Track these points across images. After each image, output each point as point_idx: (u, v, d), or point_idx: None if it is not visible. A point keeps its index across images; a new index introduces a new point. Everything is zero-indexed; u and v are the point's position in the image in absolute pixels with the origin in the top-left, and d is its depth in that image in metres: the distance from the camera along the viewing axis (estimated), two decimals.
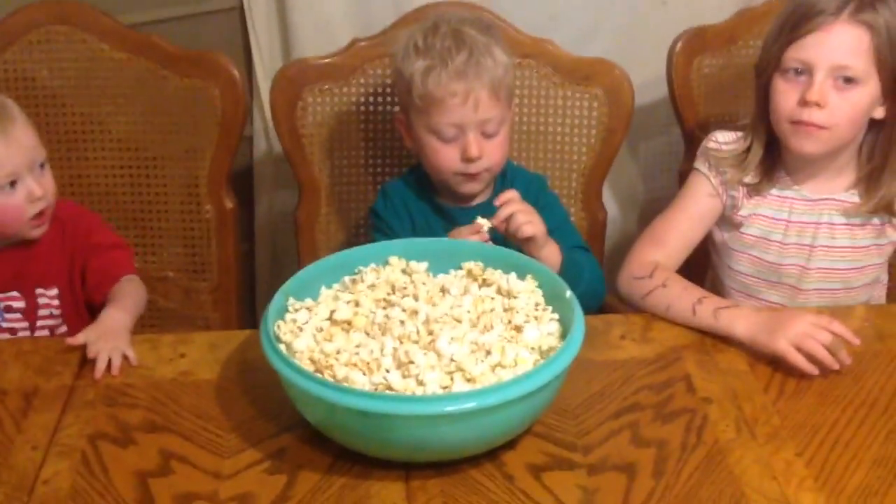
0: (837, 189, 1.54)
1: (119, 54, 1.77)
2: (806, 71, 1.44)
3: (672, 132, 2.06)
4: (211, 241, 1.83)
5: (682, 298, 1.41)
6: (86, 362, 1.35)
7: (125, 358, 1.35)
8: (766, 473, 1.16)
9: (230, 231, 1.82)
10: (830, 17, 1.42)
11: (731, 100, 1.87)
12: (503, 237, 1.49)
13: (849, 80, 1.43)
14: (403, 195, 1.61)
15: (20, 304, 1.54)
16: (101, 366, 1.33)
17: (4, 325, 1.54)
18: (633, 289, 1.50)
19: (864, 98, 1.44)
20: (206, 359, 1.37)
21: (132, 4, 1.94)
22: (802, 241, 1.55)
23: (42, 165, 1.50)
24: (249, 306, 2.18)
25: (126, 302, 1.47)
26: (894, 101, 1.47)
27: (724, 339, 1.38)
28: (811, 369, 1.30)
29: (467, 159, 1.50)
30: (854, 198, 1.53)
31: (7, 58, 1.75)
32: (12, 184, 1.45)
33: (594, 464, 1.18)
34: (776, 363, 1.33)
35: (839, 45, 1.42)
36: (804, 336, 1.29)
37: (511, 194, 1.49)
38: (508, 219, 1.47)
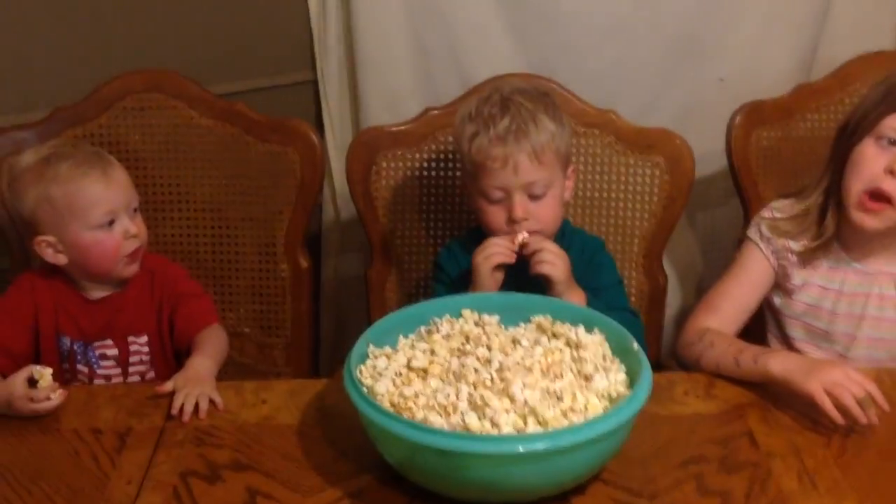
0: (890, 261, 1.58)
1: (206, 121, 1.89)
2: None
3: (731, 203, 2.12)
4: (286, 299, 1.91)
5: (727, 353, 1.47)
6: (164, 427, 1.41)
7: (211, 402, 1.43)
8: None
9: (304, 289, 1.91)
10: None
11: (788, 172, 1.94)
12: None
13: None
14: (466, 251, 1.67)
15: (114, 352, 1.63)
16: (188, 409, 1.41)
17: (100, 371, 1.62)
18: (688, 354, 1.55)
19: None
20: (287, 405, 1.45)
21: (215, 76, 2.06)
22: (853, 311, 1.59)
23: (136, 209, 1.61)
24: (314, 364, 2.25)
25: (210, 350, 1.56)
26: None
27: (785, 398, 1.42)
28: (837, 417, 1.33)
29: (513, 220, 1.57)
30: None
31: (102, 122, 1.87)
32: (111, 223, 1.56)
33: None
34: (840, 430, 1.36)
35: None
36: (837, 384, 1.33)
37: (546, 242, 1.57)
38: (535, 252, 1.54)
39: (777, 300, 1.65)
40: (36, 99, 1.93)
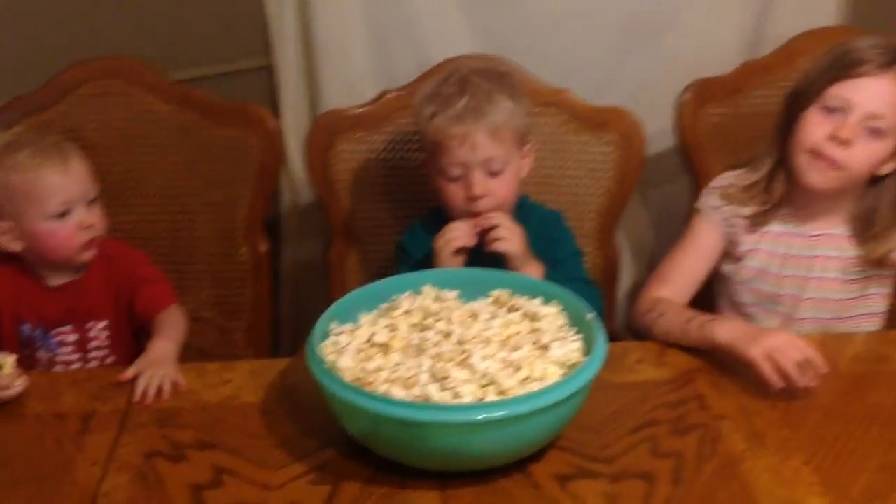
0: (833, 226, 1.64)
1: (163, 107, 1.90)
2: (842, 110, 1.54)
3: (682, 180, 2.16)
4: (246, 283, 1.94)
5: (677, 322, 1.52)
6: (129, 407, 1.43)
7: (174, 384, 1.45)
8: (776, 480, 1.25)
9: (264, 273, 1.93)
10: (879, 68, 1.53)
11: (736, 147, 1.97)
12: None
13: (876, 131, 1.53)
14: (427, 231, 1.71)
15: (73, 338, 1.65)
16: (151, 392, 1.43)
17: (59, 358, 1.64)
18: (641, 323, 1.60)
19: (882, 151, 1.55)
20: (249, 384, 1.47)
21: (172, 63, 2.06)
22: (798, 274, 1.65)
23: (93, 200, 1.62)
24: (275, 347, 2.27)
25: (170, 332, 1.58)
26: None
27: (733, 364, 1.46)
28: (777, 381, 1.38)
29: (471, 197, 1.61)
30: (846, 232, 1.63)
31: (60, 109, 1.87)
32: (67, 213, 1.57)
33: (615, 473, 1.27)
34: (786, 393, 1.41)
35: (881, 95, 1.53)
36: (777, 350, 1.38)
37: (500, 216, 1.61)
38: (490, 229, 1.58)
39: (727, 268, 1.70)
40: None
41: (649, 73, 2.24)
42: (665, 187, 2.36)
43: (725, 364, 1.47)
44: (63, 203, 1.58)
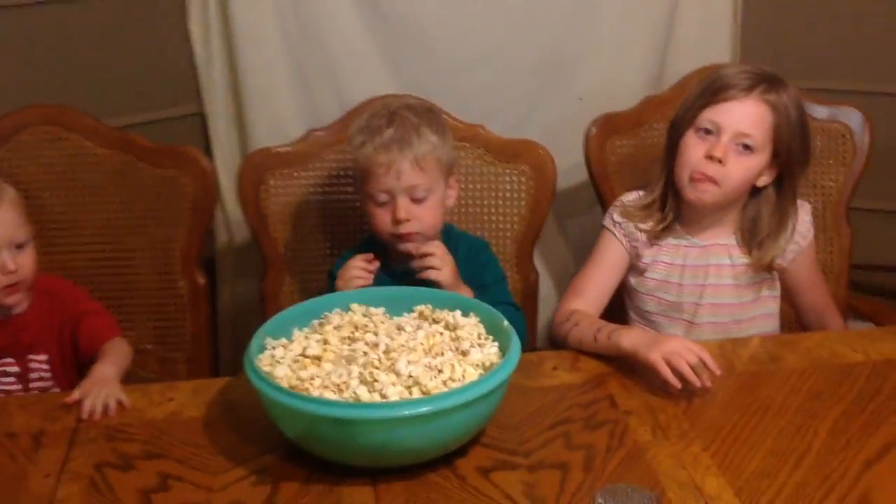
0: (723, 235, 1.80)
1: (101, 150, 2.00)
2: (715, 132, 1.70)
3: (596, 211, 2.30)
4: (185, 315, 2.03)
5: (588, 331, 1.65)
6: (79, 424, 1.51)
7: (119, 402, 1.54)
8: (677, 465, 1.38)
9: (202, 305, 2.03)
10: (743, 92, 1.70)
11: (641, 176, 2.12)
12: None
13: (747, 148, 1.70)
14: None
15: (14, 370, 1.72)
16: (98, 409, 1.51)
17: (1, 388, 1.71)
18: (558, 334, 1.73)
19: (755, 165, 1.71)
20: (192, 401, 1.56)
21: (105, 111, 2.15)
22: (696, 282, 1.79)
23: (21, 246, 1.68)
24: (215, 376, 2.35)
25: (112, 358, 1.65)
26: (776, 171, 1.74)
27: (640, 368, 1.59)
28: (675, 382, 1.51)
29: (396, 221, 1.73)
30: (734, 241, 1.79)
31: (2, 153, 1.95)
32: None
33: (533, 464, 1.39)
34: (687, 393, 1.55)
35: (746, 115, 1.70)
36: (675, 353, 1.52)
37: (438, 247, 1.74)
38: (422, 257, 1.71)
39: (633, 280, 1.84)
40: None
41: (562, 112, 2.41)
42: (581, 217, 2.51)
43: (633, 368, 1.60)
44: None
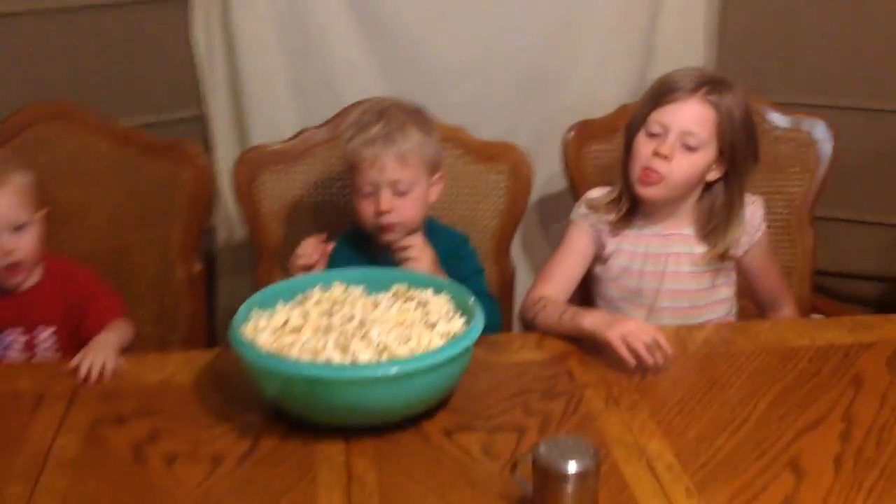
0: (682, 226, 1.92)
1: (105, 145, 2.14)
2: (662, 132, 1.83)
3: None
4: (182, 300, 2.16)
5: (554, 314, 1.78)
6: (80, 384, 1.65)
7: (115, 367, 1.66)
8: (625, 430, 1.50)
9: (199, 290, 2.16)
10: (687, 93, 1.82)
11: (615, 177, 2.26)
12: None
13: (690, 146, 1.82)
14: (344, 247, 1.95)
15: (22, 339, 1.85)
16: (94, 372, 1.64)
17: (9, 356, 1.83)
18: (526, 317, 1.86)
19: (701, 161, 1.84)
20: (184, 369, 1.69)
21: (115, 112, 2.28)
22: (656, 269, 1.92)
23: (21, 227, 1.80)
24: None
25: (114, 332, 1.79)
26: (725, 167, 1.86)
27: (601, 349, 1.72)
28: (630, 359, 1.63)
29: (378, 213, 1.85)
30: (693, 232, 1.91)
31: (13, 145, 2.09)
32: None
33: (492, 427, 1.51)
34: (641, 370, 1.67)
35: (689, 115, 1.82)
36: (630, 333, 1.64)
37: (416, 239, 1.86)
38: (402, 249, 1.83)
39: (598, 268, 1.97)
40: None
41: (546, 121, 2.53)
42: (563, 221, 2.63)
43: (594, 348, 1.72)
44: None
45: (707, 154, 1.83)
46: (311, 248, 1.85)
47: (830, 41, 2.64)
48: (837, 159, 2.31)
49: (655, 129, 1.84)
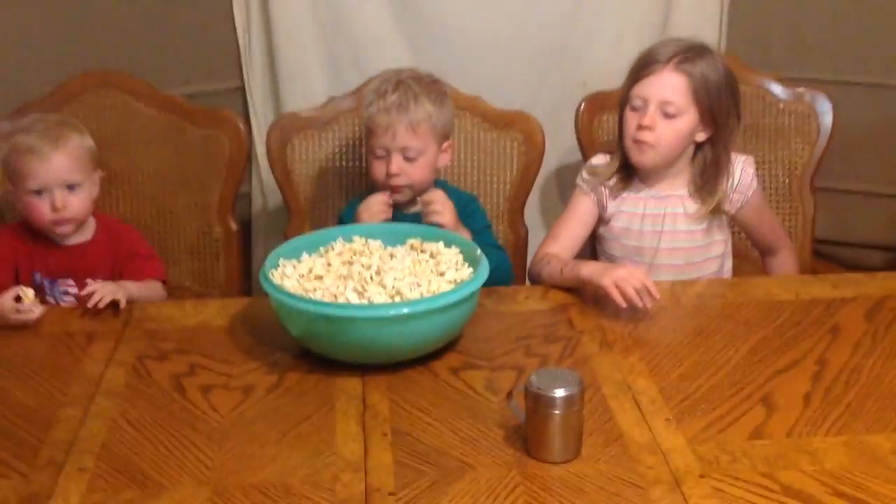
0: (677, 187, 2.06)
1: (150, 111, 2.32)
2: (643, 104, 1.98)
3: None
4: (219, 257, 2.34)
5: (557, 267, 1.94)
6: (126, 325, 1.83)
7: (116, 300, 1.83)
8: (615, 370, 1.65)
9: (235, 248, 2.34)
10: (661, 65, 1.97)
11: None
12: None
13: (670, 114, 1.96)
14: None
15: (74, 290, 2.03)
16: (96, 299, 1.82)
17: (63, 305, 2.02)
18: (534, 272, 2.02)
19: (684, 126, 1.98)
20: (220, 314, 1.87)
21: (161, 83, 2.45)
22: (654, 229, 2.06)
23: (72, 187, 1.97)
24: None
25: (142, 285, 1.98)
26: (711, 128, 2.00)
27: (600, 299, 1.87)
28: (621, 302, 1.79)
29: (388, 174, 2.02)
30: (687, 192, 2.05)
31: (66, 112, 2.27)
32: (40, 192, 1.95)
33: (495, 366, 1.67)
34: (635, 318, 1.82)
35: (664, 85, 1.97)
36: (623, 279, 1.79)
37: (438, 193, 2.02)
38: (426, 204, 2.00)
39: (600, 229, 2.12)
40: (8, 96, 2.34)
41: (564, 95, 2.68)
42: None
43: (594, 300, 1.88)
44: (37, 185, 1.94)
45: (689, 119, 1.97)
46: (385, 201, 2.01)
47: (836, 19, 2.75)
48: (841, 132, 2.44)
49: (637, 102, 1.99)
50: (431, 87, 2.08)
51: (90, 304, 1.82)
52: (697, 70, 1.96)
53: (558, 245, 2.05)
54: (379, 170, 2.04)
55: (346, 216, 2.12)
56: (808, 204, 2.45)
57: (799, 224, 2.45)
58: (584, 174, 2.11)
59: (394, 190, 2.04)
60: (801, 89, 2.45)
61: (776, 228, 2.21)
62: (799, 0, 2.78)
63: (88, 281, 2.03)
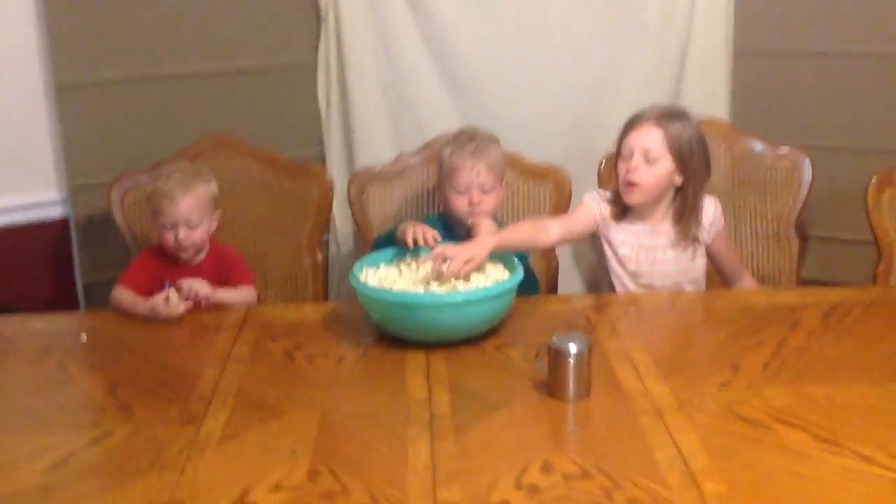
0: (664, 221, 2.56)
1: (254, 167, 2.91)
2: (629, 153, 2.49)
3: None
4: (307, 283, 2.89)
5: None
6: (245, 320, 2.37)
7: (198, 293, 2.37)
8: (620, 346, 2.15)
9: (320, 276, 2.89)
10: (644, 120, 2.50)
11: None
12: None
13: (651, 159, 2.47)
14: (433, 225, 2.59)
15: None
16: (190, 293, 2.36)
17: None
18: None
19: (662, 170, 2.47)
20: (314, 313, 2.41)
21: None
22: (649, 257, 2.56)
23: (194, 226, 2.52)
24: None
25: (234, 289, 2.50)
26: (685, 175, 2.50)
27: (611, 301, 2.38)
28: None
29: (471, 204, 2.56)
30: (672, 225, 2.55)
31: None
32: (171, 227, 2.50)
33: (528, 344, 2.16)
34: (640, 314, 2.32)
35: (646, 136, 2.48)
36: (456, 254, 2.22)
37: (487, 218, 2.55)
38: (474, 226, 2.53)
39: (608, 252, 2.61)
40: (149, 156, 2.92)
41: (591, 158, 3.21)
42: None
43: (609, 301, 2.39)
44: (168, 222, 2.49)
45: (666, 164, 2.48)
46: (428, 235, 2.45)
47: (819, 96, 3.29)
48: (824, 187, 2.94)
49: (626, 151, 2.51)
50: (494, 140, 2.64)
51: (182, 297, 2.36)
52: (673, 126, 2.48)
53: (553, 222, 2.55)
54: (461, 202, 2.57)
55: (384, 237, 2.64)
56: (793, 244, 2.94)
57: (786, 262, 2.94)
58: (595, 194, 2.61)
59: (475, 216, 2.55)
60: (787, 150, 2.96)
61: (738, 259, 2.71)
62: (790, 82, 3.32)
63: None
